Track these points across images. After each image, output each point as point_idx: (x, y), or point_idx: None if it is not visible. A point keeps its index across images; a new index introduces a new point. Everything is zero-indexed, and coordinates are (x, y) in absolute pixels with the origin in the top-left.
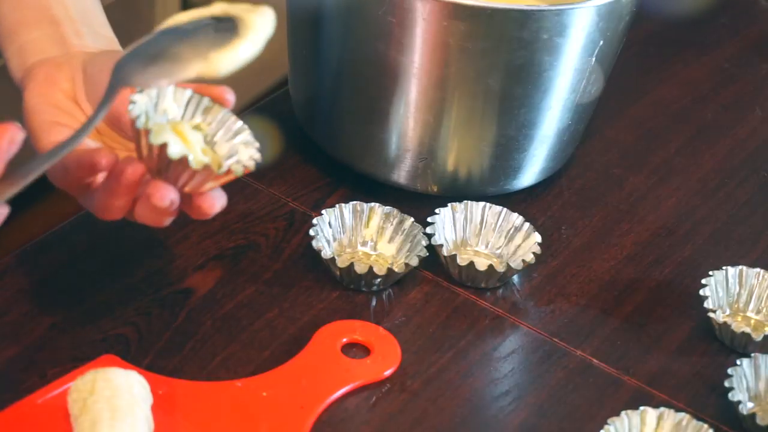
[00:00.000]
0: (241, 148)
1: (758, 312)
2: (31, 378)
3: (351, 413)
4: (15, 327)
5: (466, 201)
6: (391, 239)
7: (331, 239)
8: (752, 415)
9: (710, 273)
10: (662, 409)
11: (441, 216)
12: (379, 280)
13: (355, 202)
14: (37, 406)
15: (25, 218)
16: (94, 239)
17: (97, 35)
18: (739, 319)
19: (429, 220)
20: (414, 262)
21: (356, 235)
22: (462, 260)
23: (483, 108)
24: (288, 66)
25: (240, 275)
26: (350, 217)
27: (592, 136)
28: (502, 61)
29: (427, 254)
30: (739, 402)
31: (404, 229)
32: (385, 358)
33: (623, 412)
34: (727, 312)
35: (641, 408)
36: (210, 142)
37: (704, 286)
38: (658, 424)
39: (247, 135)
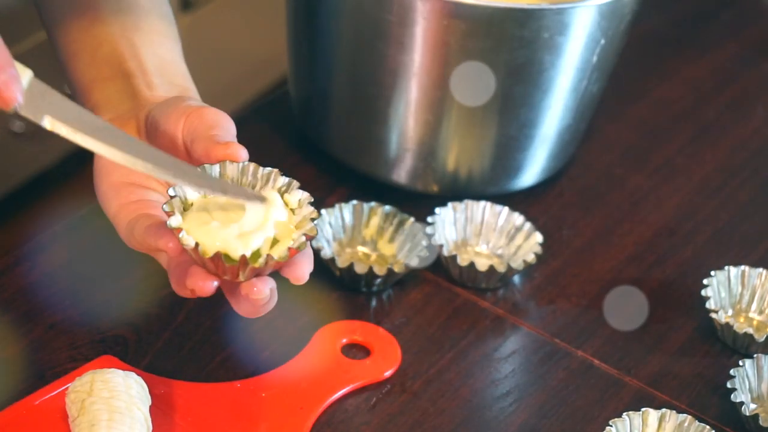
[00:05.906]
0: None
1: (761, 312)
2: (29, 379)
3: (351, 414)
4: (14, 327)
5: (466, 201)
6: (391, 239)
7: (331, 239)
8: (755, 416)
9: (712, 273)
10: (664, 410)
11: (441, 216)
12: (379, 280)
13: (355, 202)
14: (35, 407)
15: (25, 218)
16: (93, 239)
17: (171, 86)
18: (742, 319)
19: (429, 220)
20: (414, 262)
21: (356, 235)
22: (462, 260)
23: (483, 107)
24: (288, 66)
25: None
26: (350, 217)
27: (593, 135)
28: (502, 60)
29: (428, 254)
30: (742, 403)
31: (404, 229)
32: (385, 358)
33: (625, 413)
34: (730, 312)
35: (643, 409)
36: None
37: (706, 286)
38: (659, 425)
39: (280, 181)
